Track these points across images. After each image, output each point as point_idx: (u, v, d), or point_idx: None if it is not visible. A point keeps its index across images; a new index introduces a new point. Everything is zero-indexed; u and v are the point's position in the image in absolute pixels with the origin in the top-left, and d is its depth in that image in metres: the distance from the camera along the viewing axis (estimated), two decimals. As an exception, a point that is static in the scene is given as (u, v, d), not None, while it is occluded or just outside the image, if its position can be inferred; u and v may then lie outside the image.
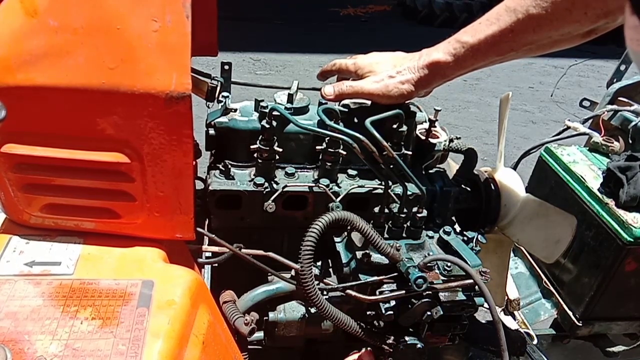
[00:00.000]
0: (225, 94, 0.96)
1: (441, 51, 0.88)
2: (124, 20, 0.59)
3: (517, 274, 1.66)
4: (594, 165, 1.43)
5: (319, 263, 1.00)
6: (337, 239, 0.97)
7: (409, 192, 0.93)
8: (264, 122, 0.88)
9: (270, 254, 0.86)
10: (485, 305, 0.83)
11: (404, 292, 0.85)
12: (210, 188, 0.91)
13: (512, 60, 0.88)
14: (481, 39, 0.83)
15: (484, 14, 0.84)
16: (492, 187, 1.06)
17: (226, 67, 1.00)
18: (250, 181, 0.93)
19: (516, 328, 1.47)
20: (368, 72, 0.93)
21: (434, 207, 1.00)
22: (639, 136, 1.47)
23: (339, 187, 0.95)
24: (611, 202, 1.29)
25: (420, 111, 1.08)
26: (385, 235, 0.94)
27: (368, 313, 0.90)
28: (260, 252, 0.86)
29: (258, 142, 0.90)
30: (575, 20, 0.76)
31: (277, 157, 0.92)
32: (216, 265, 0.93)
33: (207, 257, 0.88)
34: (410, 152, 0.99)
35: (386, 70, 0.92)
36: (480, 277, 0.84)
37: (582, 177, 1.38)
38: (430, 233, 0.96)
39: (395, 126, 0.94)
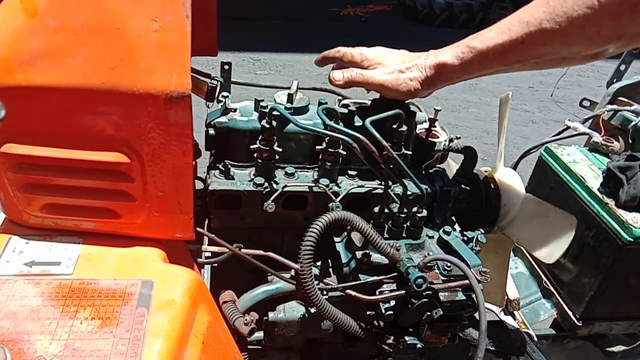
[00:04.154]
0: (225, 94, 0.96)
1: (449, 54, 0.87)
2: (124, 20, 0.59)
3: (517, 274, 1.66)
4: (594, 165, 1.43)
5: (319, 263, 1.00)
6: (337, 239, 0.97)
7: (409, 192, 0.93)
8: (264, 122, 0.88)
9: (270, 254, 0.86)
10: (488, 305, 0.83)
11: (404, 292, 0.85)
12: (210, 188, 0.91)
13: (519, 71, 0.88)
14: (489, 46, 0.82)
15: (496, 22, 0.83)
16: (492, 187, 1.06)
17: (226, 67, 1.00)
18: (250, 181, 0.93)
19: (516, 328, 1.47)
20: (376, 64, 0.92)
21: (434, 207, 1.00)
22: (639, 136, 1.47)
23: (339, 187, 0.95)
24: (611, 202, 1.29)
25: (420, 111, 1.08)
26: (385, 235, 0.94)
27: (368, 313, 0.90)
28: (260, 252, 0.86)
29: (258, 142, 0.90)
30: (587, 38, 0.75)
31: (277, 157, 0.92)
32: (216, 265, 0.93)
33: (207, 257, 0.88)
34: (410, 152, 0.99)
35: (396, 65, 0.91)
36: (480, 277, 0.84)
37: (582, 177, 1.38)
38: (430, 233, 0.96)
39: (395, 126, 0.94)
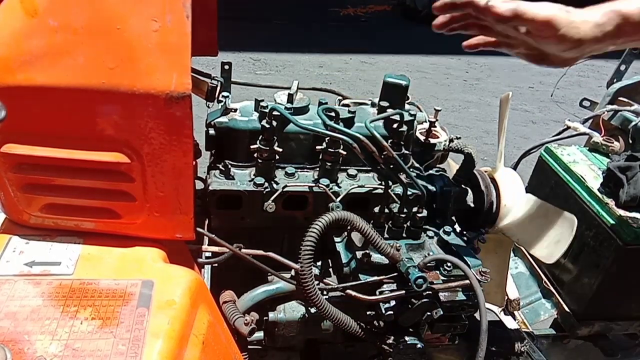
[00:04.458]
0: (225, 94, 0.96)
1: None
2: (124, 20, 0.59)
3: (517, 274, 1.66)
4: (594, 165, 1.43)
5: (319, 263, 1.00)
6: (337, 239, 0.97)
7: (409, 192, 0.93)
8: (264, 122, 0.88)
9: (270, 254, 0.86)
10: (488, 305, 0.83)
11: (404, 292, 0.85)
12: (210, 188, 0.91)
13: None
14: None
15: None
16: (492, 187, 1.06)
17: (226, 67, 1.00)
18: (250, 181, 0.93)
19: (516, 328, 1.47)
20: None
21: (434, 207, 1.00)
22: (639, 136, 1.47)
23: (339, 187, 0.95)
24: (611, 202, 1.29)
25: (421, 111, 1.08)
26: (385, 235, 0.94)
27: (368, 313, 0.90)
28: (260, 252, 0.86)
29: (258, 142, 0.90)
30: None
31: (277, 157, 0.92)
32: (216, 265, 0.93)
33: (207, 257, 0.88)
34: (410, 152, 0.99)
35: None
36: (480, 277, 0.84)
37: (582, 177, 1.38)
38: (430, 233, 0.96)
39: (395, 126, 0.94)
